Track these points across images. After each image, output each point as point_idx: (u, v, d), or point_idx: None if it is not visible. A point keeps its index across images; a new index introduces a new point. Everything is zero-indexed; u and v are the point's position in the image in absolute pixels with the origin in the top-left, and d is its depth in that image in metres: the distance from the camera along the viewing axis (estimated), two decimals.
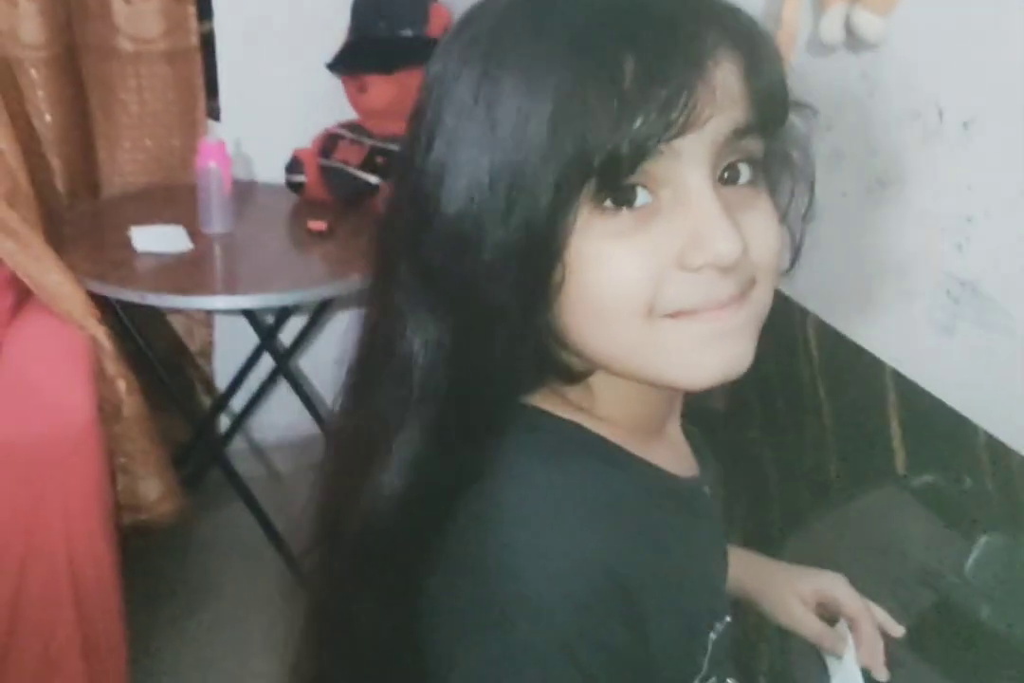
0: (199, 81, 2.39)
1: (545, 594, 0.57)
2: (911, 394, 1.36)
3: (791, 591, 0.91)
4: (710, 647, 0.66)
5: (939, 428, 1.32)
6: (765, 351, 1.73)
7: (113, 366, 1.90)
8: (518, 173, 0.55)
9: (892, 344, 1.41)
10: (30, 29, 2.06)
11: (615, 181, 0.56)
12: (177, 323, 2.56)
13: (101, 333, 1.88)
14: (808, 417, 1.56)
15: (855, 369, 1.46)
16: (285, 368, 2.49)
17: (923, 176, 1.33)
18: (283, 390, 2.58)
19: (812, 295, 1.55)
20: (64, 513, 1.64)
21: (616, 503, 0.61)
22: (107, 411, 1.87)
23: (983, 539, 1.06)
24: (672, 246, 0.58)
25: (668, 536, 0.64)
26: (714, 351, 0.61)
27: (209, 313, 2.56)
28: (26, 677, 1.70)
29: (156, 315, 2.48)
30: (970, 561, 1.05)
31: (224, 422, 2.65)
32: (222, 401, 2.47)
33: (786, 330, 1.60)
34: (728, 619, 0.69)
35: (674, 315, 0.59)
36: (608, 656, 0.58)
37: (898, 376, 1.38)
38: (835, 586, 0.92)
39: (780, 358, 1.63)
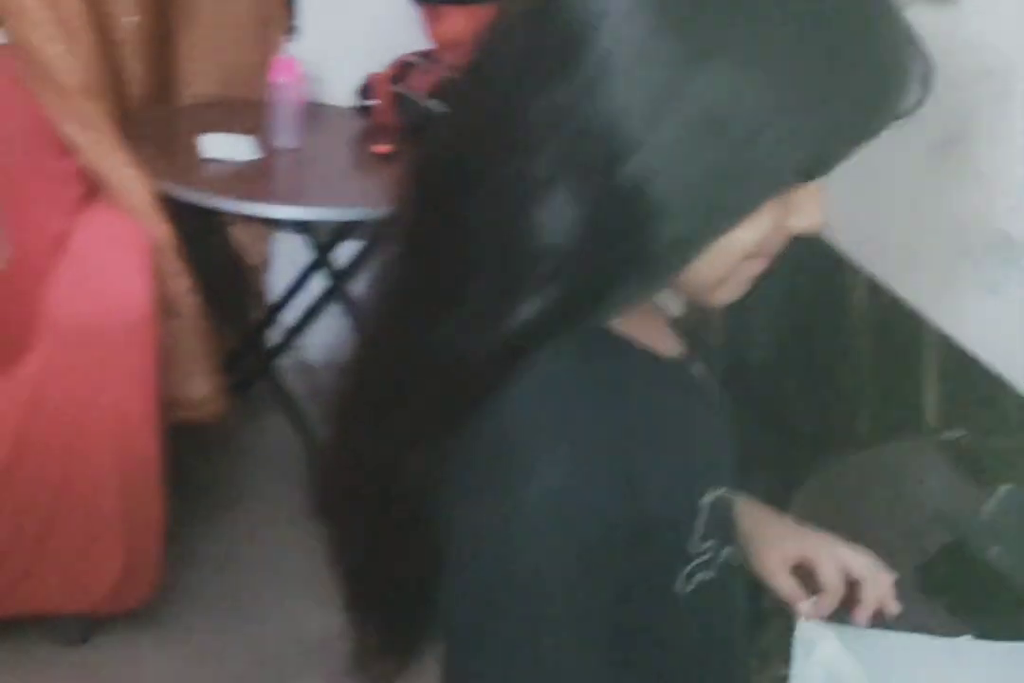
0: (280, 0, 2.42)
1: (544, 459, 0.63)
2: (949, 351, 1.38)
3: (777, 548, 0.93)
4: (704, 511, 0.70)
5: (973, 385, 1.35)
6: (811, 303, 1.76)
7: (172, 265, 1.97)
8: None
9: (937, 301, 1.43)
10: None
11: (832, 167, 0.65)
12: (236, 235, 2.62)
13: (164, 231, 1.94)
14: (847, 369, 1.59)
15: (898, 324, 1.49)
16: (338, 289, 2.53)
17: (988, 136, 1.34)
18: (335, 311, 2.64)
19: (864, 251, 1.58)
20: (116, 394, 1.72)
21: (618, 384, 0.68)
22: (164, 308, 1.93)
23: (1003, 488, 1.09)
24: (790, 210, 0.67)
25: (663, 408, 0.71)
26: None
27: (267, 229, 2.61)
28: (69, 545, 1.79)
29: (216, 227, 2.54)
30: (987, 507, 1.08)
31: (275, 339, 2.72)
32: (273, 313, 2.53)
33: (835, 285, 1.62)
34: (724, 491, 0.73)
35: (754, 256, 0.68)
36: (602, 523, 0.63)
37: (939, 333, 1.41)
38: (818, 552, 0.92)
39: (825, 311, 1.66)
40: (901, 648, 0.97)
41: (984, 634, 1.00)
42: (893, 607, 0.91)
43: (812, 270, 1.69)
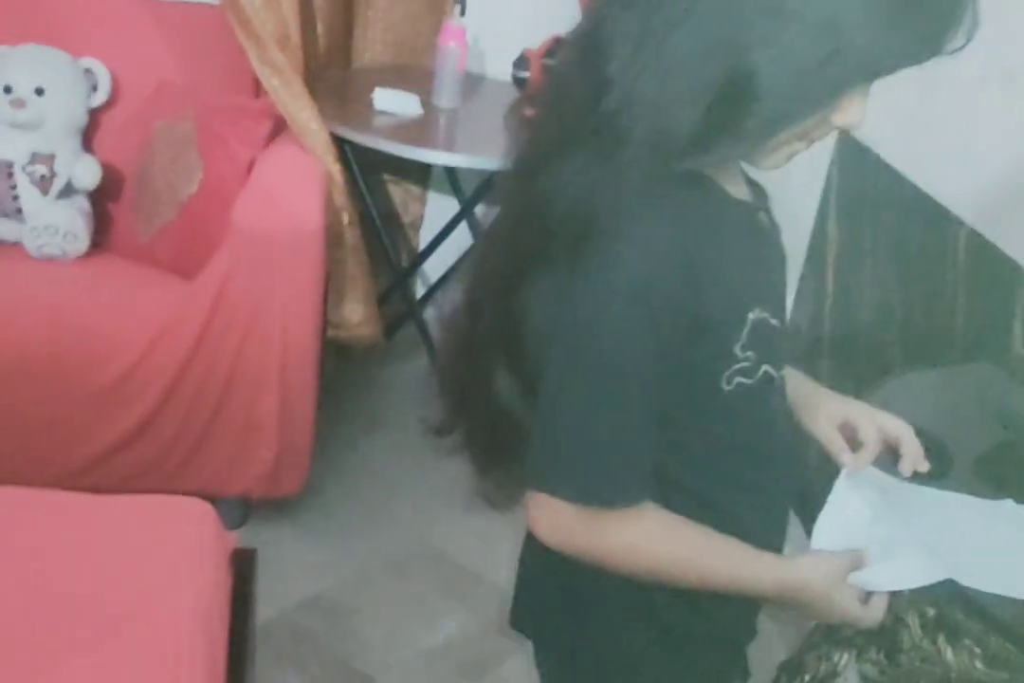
0: None
1: (627, 253, 0.81)
2: None
3: (823, 407, 1.10)
4: (748, 324, 0.87)
5: None
6: (917, 253, 1.90)
7: (341, 199, 2.22)
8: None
9: None
10: None
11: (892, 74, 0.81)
12: (395, 194, 2.88)
13: (336, 168, 2.19)
14: (945, 308, 1.72)
15: (994, 270, 1.61)
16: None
17: None
18: None
19: (965, 204, 1.71)
20: (286, 300, 1.95)
21: (695, 205, 0.86)
22: (331, 237, 2.18)
23: None
24: (837, 106, 0.83)
25: (728, 232, 0.88)
26: None
27: (422, 190, 2.86)
28: (232, 433, 2.03)
29: (379, 184, 2.80)
30: None
31: (422, 290, 2.96)
32: (421, 259, 2.77)
33: (939, 237, 1.75)
34: (769, 316, 0.89)
35: (801, 138, 0.87)
36: (670, 304, 0.81)
37: None
38: (860, 414, 1.09)
39: (926, 262, 1.79)
40: (939, 500, 1.13)
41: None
42: (924, 466, 1.07)
43: (919, 223, 1.83)
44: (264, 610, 1.96)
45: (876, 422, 1.08)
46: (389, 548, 2.23)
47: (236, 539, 1.51)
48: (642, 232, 0.82)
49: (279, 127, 2.20)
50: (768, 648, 1.32)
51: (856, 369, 1.90)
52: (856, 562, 0.95)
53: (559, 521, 0.87)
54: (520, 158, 0.91)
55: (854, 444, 1.07)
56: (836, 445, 1.07)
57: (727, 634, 1.03)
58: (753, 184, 0.98)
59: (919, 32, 0.79)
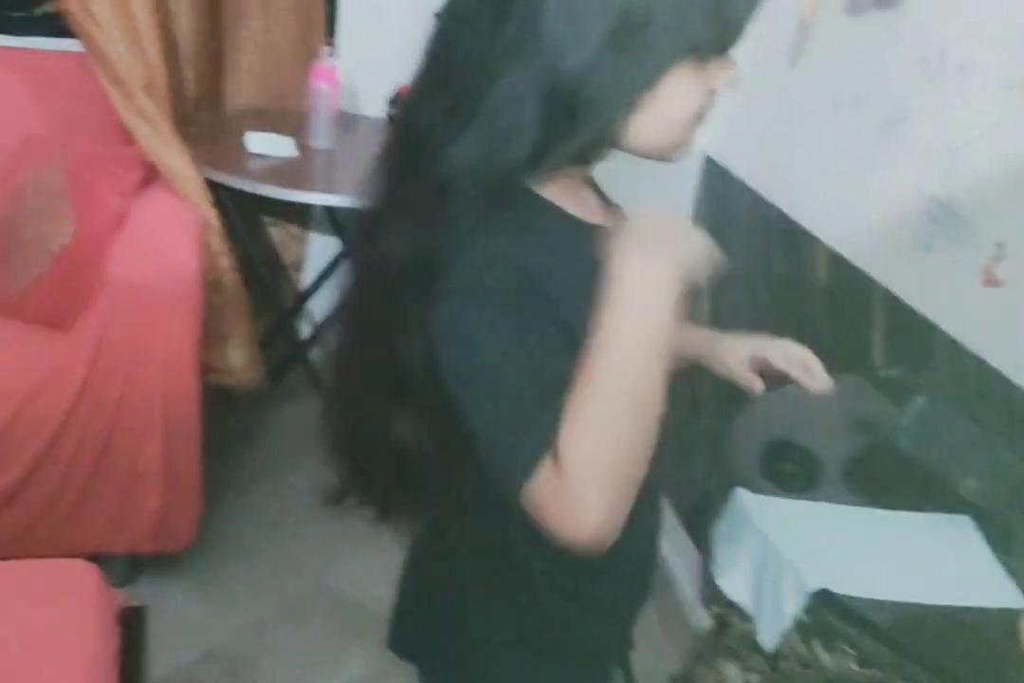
0: (321, 18, 2.68)
1: (468, 259, 0.83)
2: (894, 305, 1.58)
3: (729, 349, 1.17)
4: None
5: (910, 332, 1.54)
6: (781, 272, 1.96)
7: (218, 243, 2.20)
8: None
9: (883, 263, 1.63)
10: None
11: (730, 46, 0.86)
12: (275, 236, 2.86)
13: (212, 214, 2.18)
14: (810, 324, 1.79)
15: (851, 285, 1.68)
16: None
17: (922, 114, 1.55)
18: None
19: (823, 225, 1.78)
20: (165, 349, 1.92)
21: (535, 233, 0.87)
22: (209, 281, 2.16)
23: (919, 399, 1.28)
24: (710, 76, 0.88)
25: (565, 251, 0.87)
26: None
27: (302, 231, 2.86)
28: (115, 488, 1.99)
29: (257, 226, 2.78)
30: (905, 413, 1.27)
31: (308, 331, 2.94)
32: (303, 300, 2.76)
33: (800, 257, 1.83)
34: None
35: (694, 118, 0.90)
36: (528, 299, 0.82)
37: (886, 291, 1.60)
38: (765, 345, 1.17)
39: (788, 280, 1.86)
40: (811, 512, 1.18)
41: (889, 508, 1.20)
42: (829, 384, 1.15)
43: (781, 245, 1.90)
44: (161, 666, 1.92)
45: (780, 350, 1.16)
46: (286, 595, 2.21)
47: (123, 597, 1.47)
48: (481, 241, 0.84)
49: (152, 174, 2.18)
50: (660, 660, 1.35)
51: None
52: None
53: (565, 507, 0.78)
54: (363, 214, 0.94)
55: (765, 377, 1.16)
56: (747, 379, 1.15)
57: (598, 649, 1.04)
58: (612, 206, 1.02)
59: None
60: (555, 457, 0.77)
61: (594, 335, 0.80)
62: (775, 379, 1.16)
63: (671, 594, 1.77)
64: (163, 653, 1.95)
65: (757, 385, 1.14)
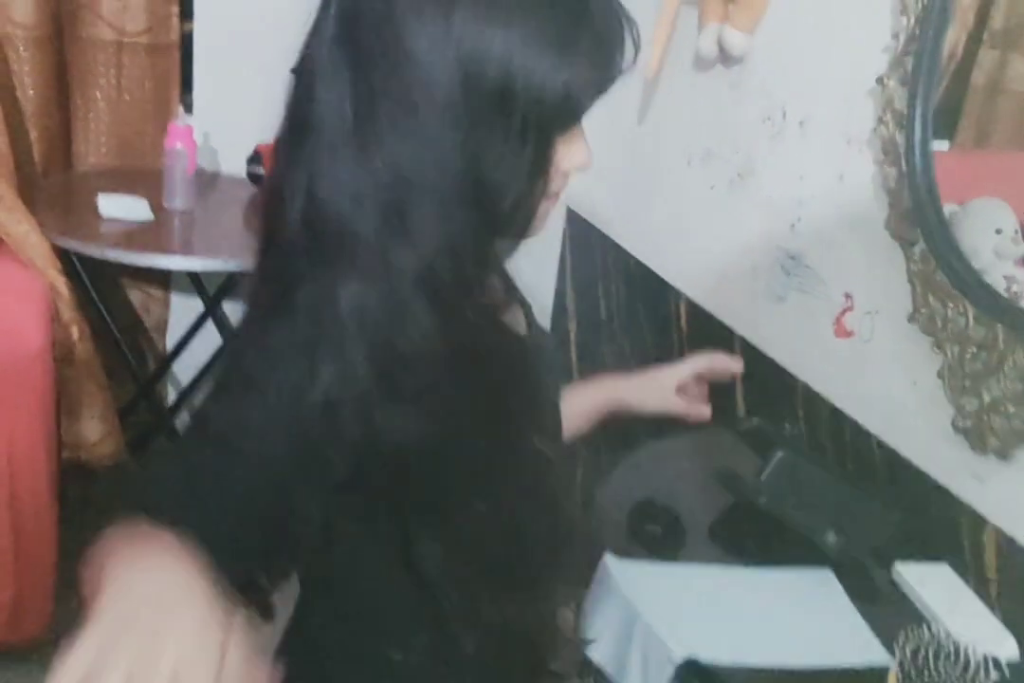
0: (175, 75, 2.62)
1: None
2: (752, 355, 1.59)
3: (653, 387, 1.15)
4: None
5: (768, 381, 1.55)
6: (643, 321, 1.97)
7: (68, 313, 2.10)
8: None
9: (738, 312, 1.64)
10: (22, 9, 2.28)
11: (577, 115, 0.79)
12: (135, 299, 2.76)
13: (60, 282, 2.08)
14: None
15: (711, 336, 1.70)
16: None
17: (769, 168, 1.58)
18: None
19: (682, 276, 1.80)
20: (9, 433, 1.82)
21: None
22: (60, 354, 2.06)
23: (779, 454, 1.28)
24: (561, 155, 0.80)
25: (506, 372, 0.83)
26: None
27: (163, 293, 2.77)
28: None
29: (115, 290, 2.68)
30: (766, 469, 1.27)
31: (172, 397, 2.84)
32: (166, 364, 2.67)
33: (663, 308, 1.84)
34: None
35: (549, 198, 0.83)
36: None
37: (742, 340, 1.62)
38: (679, 369, 1.16)
39: (651, 329, 1.87)
40: (677, 575, 1.16)
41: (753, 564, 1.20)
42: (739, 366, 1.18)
43: (643, 295, 1.91)
44: None
45: (691, 363, 1.16)
46: None
47: None
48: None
49: None
50: None
51: (603, 441, 1.94)
52: None
53: None
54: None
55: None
56: (690, 408, 1.15)
57: None
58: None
59: (590, 59, 0.76)
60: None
61: None
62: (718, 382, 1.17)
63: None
64: None
65: (705, 411, 1.14)
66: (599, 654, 1.13)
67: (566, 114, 0.78)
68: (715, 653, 1.03)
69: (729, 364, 1.17)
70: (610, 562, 1.16)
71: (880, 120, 1.27)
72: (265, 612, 0.83)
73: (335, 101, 0.76)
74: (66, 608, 2.07)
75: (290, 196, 0.77)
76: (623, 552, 1.21)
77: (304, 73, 0.79)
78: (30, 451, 1.87)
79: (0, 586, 1.90)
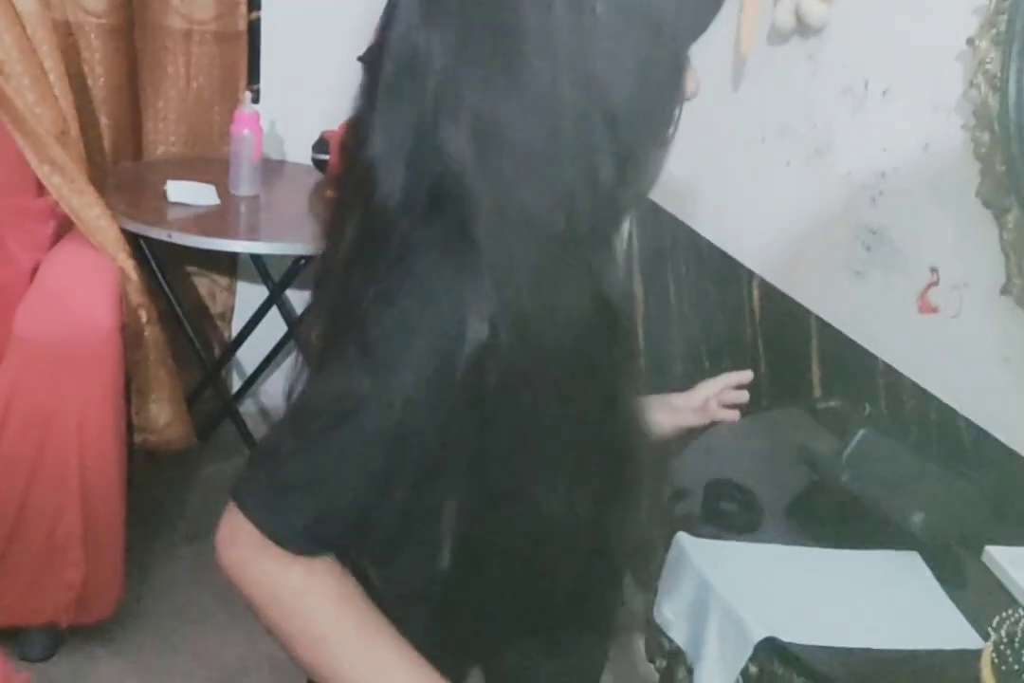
0: (243, 64, 2.63)
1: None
2: (829, 334, 1.54)
3: (665, 408, 1.13)
4: None
5: (847, 361, 1.50)
6: (714, 304, 1.93)
7: (137, 296, 2.11)
8: None
9: (815, 292, 1.59)
10: None
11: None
12: (202, 286, 2.78)
13: (129, 266, 2.09)
14: (746, 358, 1.75)
15: (785, 316, 1.65)
16: (294, 334, 2.68)
17: (849, 142, 1.53)
18: (291, 359, 2.78)
19: (754, 256, 1.75)
20: (81, 410, 1.83)
21: None
22: (129, 338, 2.07)
23: (861, 431, 1.23)
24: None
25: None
26: None
27: (231, 279, 2.78)
28: (32, 557, 1.88)
29: (183, 277, 2.70)
30: (848, 448, 1.23)
31: (237, 384, 2.85)
32: (231, 349, 2.67)
33: (735, 289, 1.79)
34: None
35: None
36: None
37: (820, 320, 1.57)
38: (701, 389, 1.15)
39: (724, 313, 1.83)
40: (755, 555, 1.12)
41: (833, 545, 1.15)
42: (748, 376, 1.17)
43: (715, 278, 1.86)
44: None
45: (712, 388, 1.15)
46: (220, 660, 2.09)
47: (29, 678, 1.37)
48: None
49: (65, 226, 2.10)
50: None
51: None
52: None
53: (236, 538, 0.81)
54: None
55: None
56: (702, 416, 1.14)
57: None
58: None
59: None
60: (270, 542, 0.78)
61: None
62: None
63: (626, 651, 1.70)
64: None
65: (728, 415, 1.14)
66: (676, 633, 1.10)
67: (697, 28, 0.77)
68: (796, 633, 0.99)
69: (740, 376, 1.17)
70: (685, 540, 1.12)
71: (971, 83, 1.22)
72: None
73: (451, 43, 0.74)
74: (135, 591, 2.09)
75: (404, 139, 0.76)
76: (698, 532, 1.18)
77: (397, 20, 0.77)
78: (100, 433, 1.88)
79: (70, 568, 1.91)
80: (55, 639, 2.03)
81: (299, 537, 0.78)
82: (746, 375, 1.17)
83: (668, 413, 1.12)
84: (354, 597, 0.79)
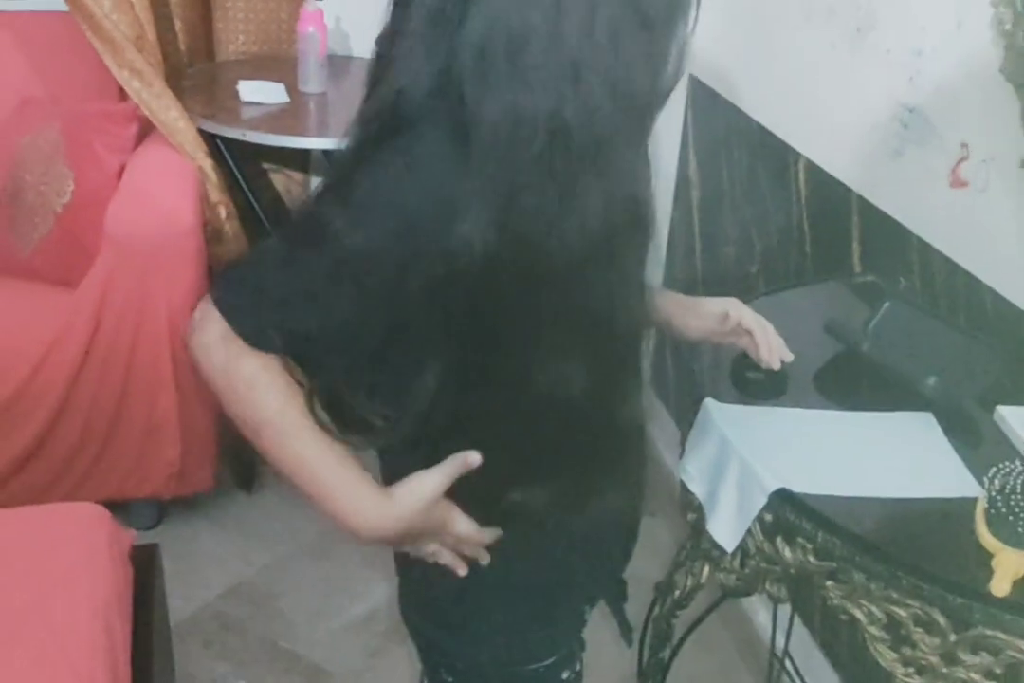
0: None
1: None
2: (869, 212, 1.59)
3: (694, 313, 1.20)
4: None
5: (886, 237, 1.55)
6: (764, 186, 1.98)
7: (216, 194, 2.24)
8: None
9: (857, 171, 1.63)
10: None
11: None
12: (277, 182, 2.89)
13: (208, 164, 2.21)
14: (792, 238, 1.80)
15: (829, 196, 1.69)
16: None
17: (890, 20, 1.54)
18: None
19: (801, 137, 1.78)
20: (168, 303, 1.98)
21: None
22: (210, 233, 2.20)
23: (887, 303, 1.29)
24: None
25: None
26: None
27: (305, 174, 2.89)
28: (134, 437, 2.07)
29: (259, 173, 2.81)
30: (874, 319, 1.29)
31: None
32: None
33: (781, 170, 1.83)
34: None
35: None
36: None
37: (859, 198, 1.61)
38: (734, 307, 1.19)
39: (772, 193, 1.87)
40: (775, 417, 1.21)
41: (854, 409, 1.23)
42: (789, 356, 1.21)
43: (764, 159, 1.90)
44: (188, 602, 2.01)
45: (748, 310, 1.21)
46: (308, 532, 2.27)
47: (134, 536, 1.54)
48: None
49: (146, 129, 2.22)
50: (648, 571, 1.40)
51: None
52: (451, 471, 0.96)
53: (205, 325, 0.89)
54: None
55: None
56: (727, 336, 1.20)
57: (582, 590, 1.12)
58: None
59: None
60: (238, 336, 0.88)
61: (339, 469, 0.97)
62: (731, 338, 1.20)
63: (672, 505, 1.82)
64: (190, 590, 2.05)
65: (744, 340, 1.19)
66: (696, 486, 1.20)
67: None
68: (808, 484, 1.08)
69: (771, 353, 1.20)
70: (710, 404, 1.21)
71: None
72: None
73: None
74: (228, 466, 2.27)
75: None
76: (725, 398, 1.26)
77: None
78: (188, 312, 2.01)
79: (168, 446, 2.09)
80: (159, 510, 2.24)
81: (260, 333, 0.88)
82: (781, 356, 1.20)
83: (694, 318, 1.19)
84: (298, 397, 0.91)
